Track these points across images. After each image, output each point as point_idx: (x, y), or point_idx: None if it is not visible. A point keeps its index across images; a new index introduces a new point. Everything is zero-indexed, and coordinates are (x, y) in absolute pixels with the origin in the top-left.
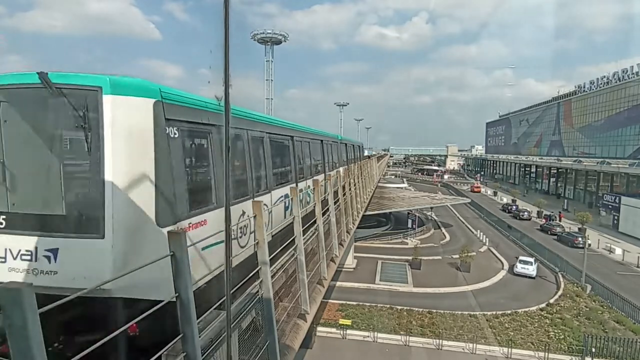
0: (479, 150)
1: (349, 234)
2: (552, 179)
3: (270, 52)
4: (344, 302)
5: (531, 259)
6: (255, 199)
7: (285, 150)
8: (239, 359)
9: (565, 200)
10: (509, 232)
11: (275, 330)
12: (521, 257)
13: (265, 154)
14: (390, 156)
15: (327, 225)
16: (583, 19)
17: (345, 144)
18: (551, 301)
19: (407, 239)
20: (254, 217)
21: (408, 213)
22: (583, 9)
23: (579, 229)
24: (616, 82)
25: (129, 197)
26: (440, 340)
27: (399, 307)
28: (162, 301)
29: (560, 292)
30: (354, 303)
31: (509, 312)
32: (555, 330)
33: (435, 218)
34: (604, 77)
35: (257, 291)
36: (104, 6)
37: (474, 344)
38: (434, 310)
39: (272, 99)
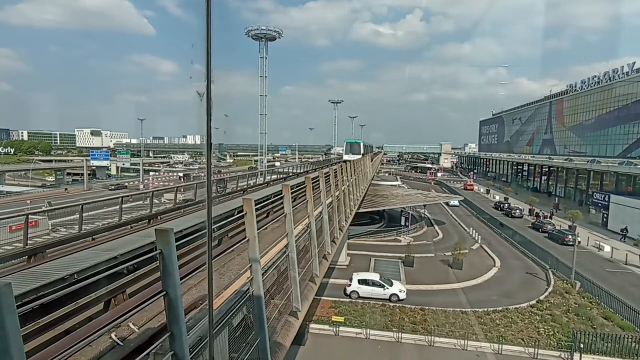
0: (473, 148)
1: (341, 231)
2: (544, 177)
3: (264, 49)
4: (337, 299)
5: (457, 197)
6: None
7: (368, 149)
8: (229, 357)
9: (557, 198)
10: (501, 229)
11: (266, 328)
12: (452, 197)
13: (364, 149)
14: (385, 154)
15: (319, 223)
16: (575, 18)
17: (367, 145)
18: (541, 298)
19: (400, 236)
20: (245, 214)
21: (401, 211)
22: (576, 9)
23: (569, 226)
24: (607, 81)
25: (362, 152)
26: (432, 337)
27: (392, 304)
28: None
29: (550, 289)
30: (347, 300)
31: (499, 308)
32: (545, 327)
33: (429, 216)
34: (595, 76)
35: (248, 289)
36: (97, 0)
37: (466, 341)
38: (426, 307)
39: (266, 95)
